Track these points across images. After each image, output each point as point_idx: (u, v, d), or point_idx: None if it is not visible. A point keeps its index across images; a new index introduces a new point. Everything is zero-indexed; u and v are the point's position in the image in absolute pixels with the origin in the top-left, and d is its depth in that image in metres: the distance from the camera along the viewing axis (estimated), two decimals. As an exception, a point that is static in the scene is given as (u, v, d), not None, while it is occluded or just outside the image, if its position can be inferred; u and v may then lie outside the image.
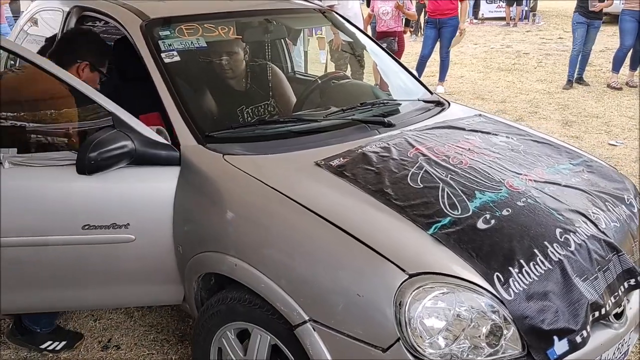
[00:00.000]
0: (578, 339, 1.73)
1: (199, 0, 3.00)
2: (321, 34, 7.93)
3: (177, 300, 2.39)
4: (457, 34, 7.51)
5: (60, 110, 2.29)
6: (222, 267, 2.01)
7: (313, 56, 8.56)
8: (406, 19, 7.73)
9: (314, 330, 1.75)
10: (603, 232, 1.98)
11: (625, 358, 2.10)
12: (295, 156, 2.22)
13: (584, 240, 1.91)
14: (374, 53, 3.41)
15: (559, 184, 2.18)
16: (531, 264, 1.78)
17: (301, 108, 3.01)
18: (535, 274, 1.76)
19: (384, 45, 6.48)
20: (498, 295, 1.68)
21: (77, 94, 2.18)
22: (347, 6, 6.22)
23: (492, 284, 1.70)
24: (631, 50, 7.77)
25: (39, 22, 4.09)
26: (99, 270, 2.28)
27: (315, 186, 2.03)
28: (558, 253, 1.84)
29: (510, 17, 16.12)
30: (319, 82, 3.12)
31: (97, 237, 2.18)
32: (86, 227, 2.16)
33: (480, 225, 1.88)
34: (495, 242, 1.82)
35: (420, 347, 1.62)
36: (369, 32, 7.41)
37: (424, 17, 9.25)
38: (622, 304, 1.96)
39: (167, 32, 2.58)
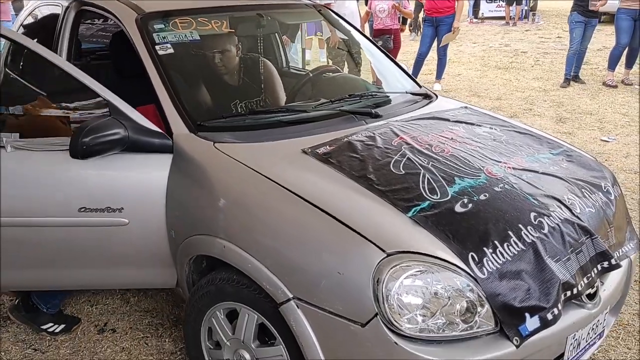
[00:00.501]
0: (549, 316, 1.81)
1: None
2: (320, 35, 8.02)
3: (171, 283, 2.48)
4: (451, 32, 7.58)
5: None
6: (211, 249, 2.09)
7: (315, 55, 8.67)
8: (403, 17, 7.82)
9: (298, 307, 1.83)
10: (577, 217, 2.06)
11: (602, 339, 2.18)
12: (283, 144, 2.30)
13: (557, 224, 1.99)
14: (367, 50, 3.48)
15: (537, 172, 2.27)
16: (505, 245, 1.86)
17: (293, 100, 3.09)
18: (508, 255, 1.84)
19: (380, 43, 6.60)
20: (472, 274, 1.76)
21: (75, 82, 2.27)
22: (343, 4, 6.30)
23: (467, 264, 1.78)
24: (627, 49, 7.84)
25: (39, 17, 4.18)
26: (94, 252, 2.38)
27: (301, 172, 2.11)
28: (531, 235, 1.92)
29: (510, 16, 16.18)
30: (311, 75, 3.20)
31: (92, 220, 2.27)
32: (82, 209, 2.26)
33: (458, 208, 1.96)
34: (471, 224, 1.90)
35: (398, 322, 1.70)
36: (367, 30, 7.52)
37: (423, 15, 9.32)
38: (596, 285, 2.03)
39: (162, 26, 2.67)
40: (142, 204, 2.29)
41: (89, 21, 3.84)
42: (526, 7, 16.73)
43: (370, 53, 3.46)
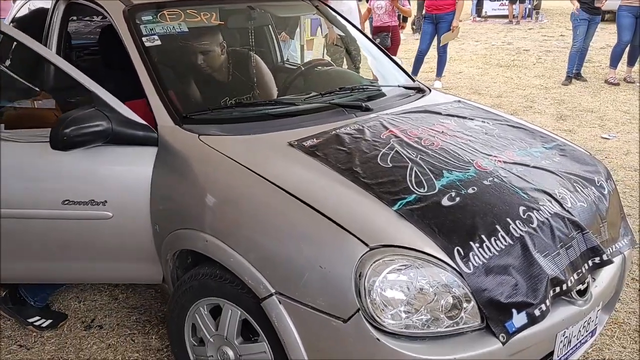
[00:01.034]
0: (537, 312, 1.76)
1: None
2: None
3: (157, 279, 2.44)
4: (450, 30, 7.52)
5: None
6: (194, 243, 2.05)
7: (317, 54, 8.59)
8: (403, 15, 7.77)
9: (280, 302, 1.79)
10: (568, 211, 2.02)
11: (594, 337, 2.13)
12: (270, 137, 2.26)
13: (547, 218, 1.95)
14: (362, 46, 3.44)
15: (528, 165, 2.22)
16: (492, 239, 1.81)
17: (285, 94, 3.05)
18: (495, 249, 1.79)
19: (377, 41, 6.55)
20: (458, 269, 1.72)
21: (59, 72, 2.24)
22: (341, 2, 6.24)
23: (452, 258, 1.73)
24: (629, 46, 7.77)
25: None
26: (78, 245, 2.35)
27: (286, 165, 2.07)
28: (520, 229, 1.87)
29: (513, 14, 16.11)
30: (303, 68, 3.16)
31: (76, 213, 2.24)
32: (66, 202, 2.22)
33: (445, 202, 1.91)
34: (458, 218, 1.86)
35: (380, 318, 1.66)
36: (367, 27, 7.46)
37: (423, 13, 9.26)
38: (586, 281, 1.99)
39: (150, 17, 2.63)
40: (126, 197, 2.25)
41: (81, 16, 3.80)
42: (529, 6, 16.65)
43: (366, 49, 3.41)
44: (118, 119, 2.19)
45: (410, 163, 2.10)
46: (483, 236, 1.81)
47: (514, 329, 1.73)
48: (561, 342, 1.90)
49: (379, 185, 1.96)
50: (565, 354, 1.95)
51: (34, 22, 3.20)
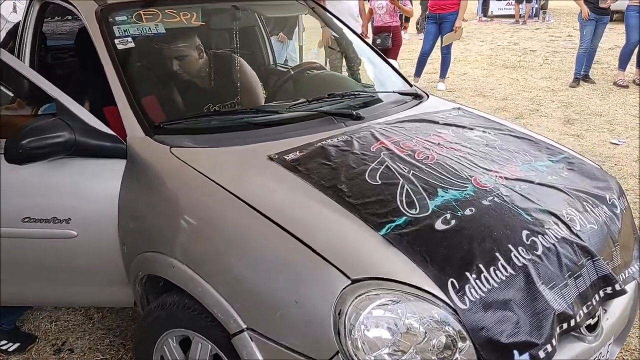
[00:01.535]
0: (542, 354, 1.55)
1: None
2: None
3: (127, 302, 2.24)
4: (452, 31, 7.31)
5: None
6: (161, 268, 1.86)
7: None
8: (405, 15, 7.56)
9: (252, 339, 1.59)
10: (576, 235, 1.81)
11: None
12: (249, 149, 2.06)
13: (553, 244, 1.74)
14: (357, 48, 3.23)
15: (532, 182, 2.01)
16: (491, 269, 1.61)
17: (273, 100, 2.85)
18: (495, 281, 1.59)
19: (378, 42, 6.34)
20: (451, 304, 1.51)
21: (20, 78, 2.06)
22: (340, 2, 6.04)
23: (446, 292, 1.53)
24: (638, 47, 7.54)
25: (16, 7, 4.04)
26: (41, 266, 2.16)
27: (263, 182, 1.87)
28: (523, 257, 1.67)
29: (520, 14, 15.86)
30: (292, 72, 2.96)
31: (37, 231, 2.05)
32: (26, 219, 2.04)
33: (439, 225, 1.71)
34: (453, 244, 1.66)
35: (363, 361, 1.45)
36: (369, 28, 7.24)
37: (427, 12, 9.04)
38: (597, 314, 1.78)
39: (124, 18, 2.44)
40: (92, 214, 2.05)
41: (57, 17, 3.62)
42: (536, 5, 16.39)
43: (361, 51, 3.20)
44: (82, 129, 2.00)
45: (401, 180, 1.90)
46: (481, 266, 1.60)
47: (515, 373, 1.52)
48: (569, 383, 1.69)
49: (365, 205, 1.76)
50: (573, 395, 1.74)
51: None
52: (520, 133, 2.48)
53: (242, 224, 1.71)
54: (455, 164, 2.04)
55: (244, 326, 1.61)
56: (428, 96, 2.84)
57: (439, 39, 7.58)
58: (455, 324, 1.50)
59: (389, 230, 1.67)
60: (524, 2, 15.75)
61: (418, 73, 8.06)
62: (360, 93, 2.62)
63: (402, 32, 12.02)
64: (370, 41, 6.64)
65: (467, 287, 1.55)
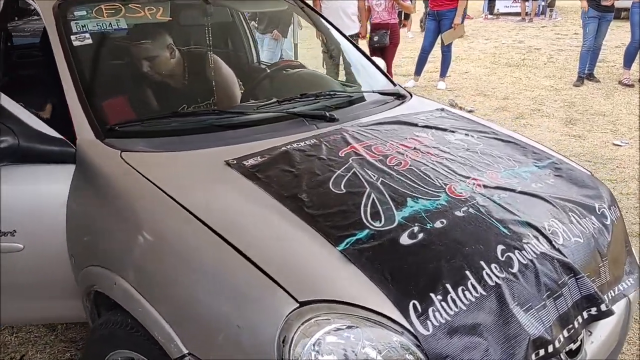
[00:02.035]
0: (513, 385, 1.39)
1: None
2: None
3: (80, 317, 2.09)
4: (452, 29, 7.13)
5: None
6: (103, 284, 1.71)
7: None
8: (405, 12, 7.39)
9: (194, 365, 1.44)
10: (558, 250, 1.65)
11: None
12: (207, 154, 1.91)
13: (531, 260, 1.58)
14: (340, 45, 3.07)
15: (514, 190, 1.85)
16: (460, 289, 1.45)
17: (248, 100, 2.70)
18: (463, 302, 1.43)
19: (375, 39, 6.17)
20: (412, 330, 1.35)
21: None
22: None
23: (406, 315, 1.37)
24: (643, 45, 7.33)
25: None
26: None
27: (215, 191, 1.72)
28: (496, 276, 1.51)
29: (526, 12, 15.63)
30: (269, 71, 2.80)
31: (-21, 245, 1.89)
32: (-33, 233, 1.88)
33: (404, 240, 1.55)
34: (418, 261, 1.50)
35: (311, 395, 1.30)
36: (368, 26, 7.05)
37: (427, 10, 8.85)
38: (580, 338, 1.61)
39: (83, 12, 2.29)
40: (39, 225, 1.91)
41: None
42: (543, 3, 16.16)
43: (344, 49, 3.04)
44: (27, 134, 1.85)
45: (368, 188, 1.74)
46: (448, 286, 1.44)
47: (483, 407, 1.36)
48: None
49: (325, 217, 1.61)
50: None
51: None
52: (506, 136, 2.32)
53: (187, 239, 1.55)
54: (430, 171, 1.88)
55: (185, 351, 1.45)
56: (411, 96, 2.67)
57: (441, 36, 7.40)
58: (417, 352, 1.34)
59: (348, 245, 1.51)
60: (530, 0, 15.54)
61: (418, 71, 7.89)
62: (337, 93, 2.45)
63: (405, 31, 11.90)
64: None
65: (430, 310, 1.39)
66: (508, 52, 10.69)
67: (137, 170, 1.76)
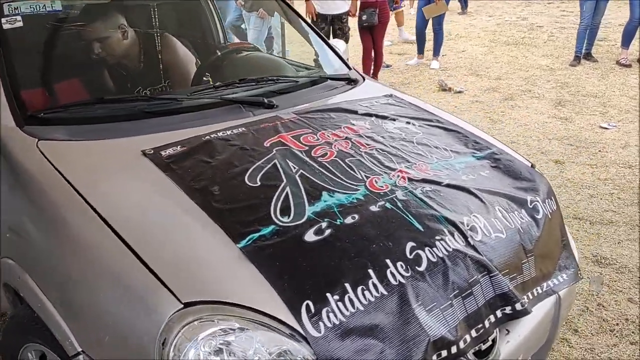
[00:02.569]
0: (409, 387, 1.35)
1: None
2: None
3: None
4: (433, 3, 6.99)
5: None
6: (10, 276, 1.68)
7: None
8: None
9: (87, 364, 1.41)
10: (473, 247, 1.59)
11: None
12: (126, 143, 1.86)
13: (442, 258, 1.53)
14: (296, 27, 2.99)
15: (440, 183, 1.79)
16: (359, 289, 1.40)
17: (199, 84, 2.64)
18: (361, 303, 1.39)
19: (364, 17, 6.06)
20: (302, 331, 1.31)
21: None
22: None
23: (298, 316, 1.33)
24: (642, 24, 7.14)
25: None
26: None
27: (124, 183, 1.67)
28: (400, 275, 1.46)
29: (533, -12, 15.29)
30: (219, 53, 2.73)
31: None
32: None
33: (309, 236, 1.50)
34: (320, 259, 1.45)
35: (191, 400, 1.26)
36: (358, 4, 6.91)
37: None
38: (493, 337, 1.57)
39: (17, -6, 2.22)
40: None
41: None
42: (551, -21, 15.78)
43: (301, 32, 2.96)
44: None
45: (285, 181, 1.69)
46: (347, 285, 1.40)
47: (376, 411, 1.32)
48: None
49: (232, 212, 1.56)
50: None
51: None
52: (452, 125, 2.25)
53: (84, 236, 1.51)
54: (355, 162, 1.82)
55: (79, 349, 1.42)
56: (364, 80, 2.60)
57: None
58: (308, 356, 1.30)
59: (249, 242, 1.46)
60: (538, -25, 15.18)
61: (420, 50, 7.78)
62: (281, 78, 2.39)
63: (409, 8, 11.68)
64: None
65: (324, 310, 1.34)
66: (509, 30, 10.47)
67: (49, 161, 1.72)
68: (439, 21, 7.22)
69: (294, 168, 1.75)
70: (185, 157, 1.77)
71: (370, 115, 2.18)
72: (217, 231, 1.50)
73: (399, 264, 1.48)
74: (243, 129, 1.96)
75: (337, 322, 1.34)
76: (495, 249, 1.64)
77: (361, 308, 1.38)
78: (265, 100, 2.16)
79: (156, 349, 1.27)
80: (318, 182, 1.70)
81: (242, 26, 6.93)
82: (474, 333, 1.50)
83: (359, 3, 6.48)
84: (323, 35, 2.83)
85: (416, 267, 1.49)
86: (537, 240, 1.78)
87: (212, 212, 1.55)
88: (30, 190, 1.70)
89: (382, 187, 1.72)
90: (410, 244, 1.53)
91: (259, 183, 1.68)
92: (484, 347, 1.55)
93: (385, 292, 1.42)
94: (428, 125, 2.19)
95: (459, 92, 6.39)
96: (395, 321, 1.40)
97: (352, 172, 1.77)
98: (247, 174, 1.71)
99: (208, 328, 1.28)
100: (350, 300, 1.38)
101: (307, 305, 1.34)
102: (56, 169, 1.68)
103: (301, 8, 6.06)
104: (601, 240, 3.21)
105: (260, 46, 6.18)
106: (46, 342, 1.61)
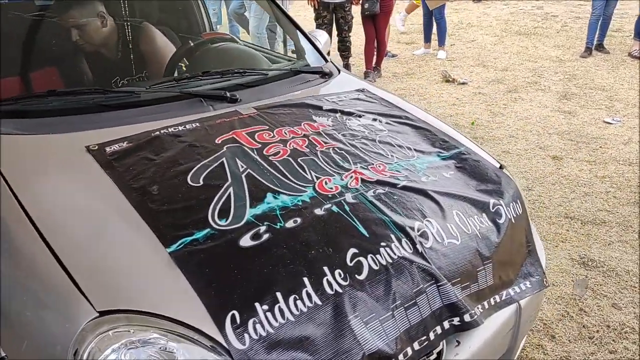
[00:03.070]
0: (339, 406, 1.28)
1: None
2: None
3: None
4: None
5: None
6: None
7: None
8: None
9: (11, 369, 1.36)
10: (421, 254, 1.51)
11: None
12: (74, 137, 1.80)
13: (384, 266, 1.45)
14: (279, 17, 2.91)
15: (395, 185, 1.71)
16: (291, 298, 1.33)
17: (173, 74, 2.57)
18: (292, 313, 1.31)
19: (366, 6, 5.94)
20: (224, 343, 1.24)
21: None
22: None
23: (221, 328, 1.26)
24: (656, 15, 6.94)
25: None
26: None
27: (62, 181, 1.62)
28: (338, 284, 1.38)
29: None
30: (192, 44, 2.65)
31: None
32: None
33: (245, 242, 1.43)
34: (252, 266, 1.38)
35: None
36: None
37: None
38: (439, 350, 1.49)
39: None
40: None
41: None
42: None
43: (277, 20, 2.88)
44: None
45: (230, 181, 1.62)
46: (279, 294, 1.32)
47: None
48: None
49: (167, 214, 1.49)
50: None
51: None
52: (421, 122, 2.16)
53: (13, 237, 1.45)
54: (308, 162, 1.75)
55: (3, 354, 1.37)
56: (339, 73, 2.52)
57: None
58: (228, 368, 1.24)
59: (180, 247, 1.40)
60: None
61: (427, 38, 7.65)
62: (248, 71, 2.31)
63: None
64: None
65: (251, 321, 1.27)
66: (522, 19, 10.27)
67: (-11, 156, 1.66)
68: (440, 11, 7.07)
69: (242, 167, 1.68)
70: (129, 154, 1.70)
71: (335, 111, 2.10)
72: (148, 234, 1.43)
73: (337, 272, 1.40)
74: (197, 124, 1.89)
75: (264, 334, 1.27)
76: (446, 256, 1.55)
77: (292, 319, 1.30)
78: (228, 94, 2.09)
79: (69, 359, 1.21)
80: (264, 182, 1.63)
81: (245, 14, 6.85)
82: (416, 346, 1.43)
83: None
84: (300, 26, 2.73)
85: (356, 276, 1.41)
86: (496, 246, 1.69)
87: (146, 213, 1.49)
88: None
89: (331, 189, 1.64)
90: (352, 251, 1.45)
91: (201, 183, 1.61)
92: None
93: (319, 302, 1.34)
94: (396, 122, 2.10)
95: (463, 83, 6.26)
96: (328, 333, 1.32)
97: (302, 172, 1.69)
98: (191, 173, 1.64)
99: (122, 339, 1.22)
100: (281, 311, 1.31)
101: (233, 315, 1.27)
102: (-6, 165, 1.62)
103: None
104: (591, 241, 3.10)
105: (261, 34, 6.10)
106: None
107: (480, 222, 1.70)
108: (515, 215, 1.81)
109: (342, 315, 1.35)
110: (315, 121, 2.00)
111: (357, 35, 7.50)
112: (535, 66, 6.93)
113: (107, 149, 1.71)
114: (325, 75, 2.46)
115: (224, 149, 1.76)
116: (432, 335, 1.46)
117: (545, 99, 5.64)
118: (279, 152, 1.77)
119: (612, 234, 3.17)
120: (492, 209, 1.76)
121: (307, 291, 1.35)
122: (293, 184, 1.64)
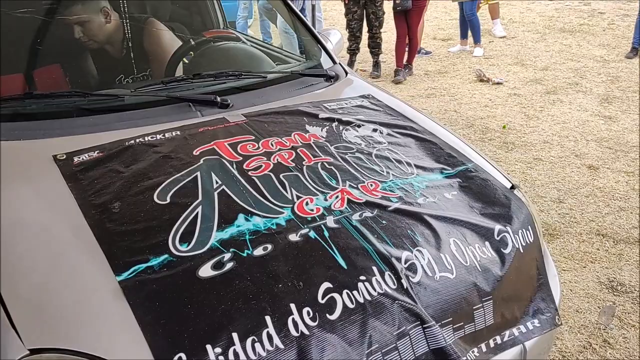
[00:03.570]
0: None
1: None
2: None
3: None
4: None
5: None
6: None
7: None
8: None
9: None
10: (406, 290, 1.33)
11: None
12: (44, 145, 1.68)
13: (361, 304, 1.28)
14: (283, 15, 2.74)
15: (387, 207, 1.53)
16: (249, 340, 1.17)
17: (173, 74, 2.44)
18: (248, 358, 1.15)
19: (397, 1, 5.72)
20: (168, 392, 1.09)
21: None
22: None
23: (165, 374, 1.11)
24: None
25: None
26: None
27: (19, 195, 1.49)
28: (304, 324, 1.22)
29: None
30: (193, 43, 2.51)
31: None
32: None
33: (205, 271, 1.28)
34: (209, 301, 1.23)
35: None
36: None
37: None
38: (422, 401, 1.31)
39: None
40: None
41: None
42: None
43: (286, 20, 2.71)
44: None
45: (199, 199, 1.47)
46: (235, 335, 1.17)
47: None
48: None
49: (124, 235, 1.35)
50: None
51: None
52: (427, 134, 1.96)
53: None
54: (291, 179, 1.58)
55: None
56: (346, 75, 2.34)
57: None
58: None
59: (131, 275, 1.25)
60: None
61: (463, 35, 7.38)
62: (244, 73, 2.15)
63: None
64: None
65: (200, 367, 1.12)
66: (567, 16, 9.85)
67: (-50, 164, 1.55)
68: (470, 7, 6.78)
69: (217, 183, 1.53)
70: (97, 165, 1.57)
71: (332, 120, 1.93)
72: (99, 259, 1.29)
73: (305, 310, 1.23)
74: (177, 132, 1.75)
75: (213, 382, 1.11)
76: (436, 293, 1.37)
77: (247, 365, 1.14)
78: (218, 99, 1.94)
79: (-10, 404, 1.08)
80: (238, 201, 1.47)
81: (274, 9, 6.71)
82: (394, 398, 1.25)
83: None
84: (308, 24, 2.56)
85: (327, 315, 1.24)
86: (499, 280, 1.50)
87: (102, 234, 1.35)
88: None
89: (312, 210, 1.47)
90: (325, 285, 1.28)
91: (168, 200, 1.46)
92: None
93: (281, 346, 1.18)
94: (398, 133, 1.92)
95: (498, 83, 5.98)
96: (288, 383, 1.16)
97: (282, 190, 1.53)
98: (159, 189, 1.50)
99: (53, 381, 1.08)
100: (235, 355, 1.15)
101: (180, 358, 1.12)
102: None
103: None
104: (622, 263, 2.85)
105: (288, 31, 5.94)
106: None
107: (481, 252, 1.51)
108: (524, 244, 1.60)
109: (306, 362, 1.18)
110: (307, 131, 1.83)
111: (392, 31, 7.27)
112: (577, 66, 6.59)
113: (76, 158, 1.59)
114: (330, 79, 2.28)
115: (201, 161, 1.61)
116: (413, 385, 1.28)
117: (585, 102, 5.34)
118: (261, 166, 1.61)
119: (647, 254, 2.92)
120: (497, 236, 1.56)
121: (268, 332, 1.19)
122: (270, 205, 1.47)
